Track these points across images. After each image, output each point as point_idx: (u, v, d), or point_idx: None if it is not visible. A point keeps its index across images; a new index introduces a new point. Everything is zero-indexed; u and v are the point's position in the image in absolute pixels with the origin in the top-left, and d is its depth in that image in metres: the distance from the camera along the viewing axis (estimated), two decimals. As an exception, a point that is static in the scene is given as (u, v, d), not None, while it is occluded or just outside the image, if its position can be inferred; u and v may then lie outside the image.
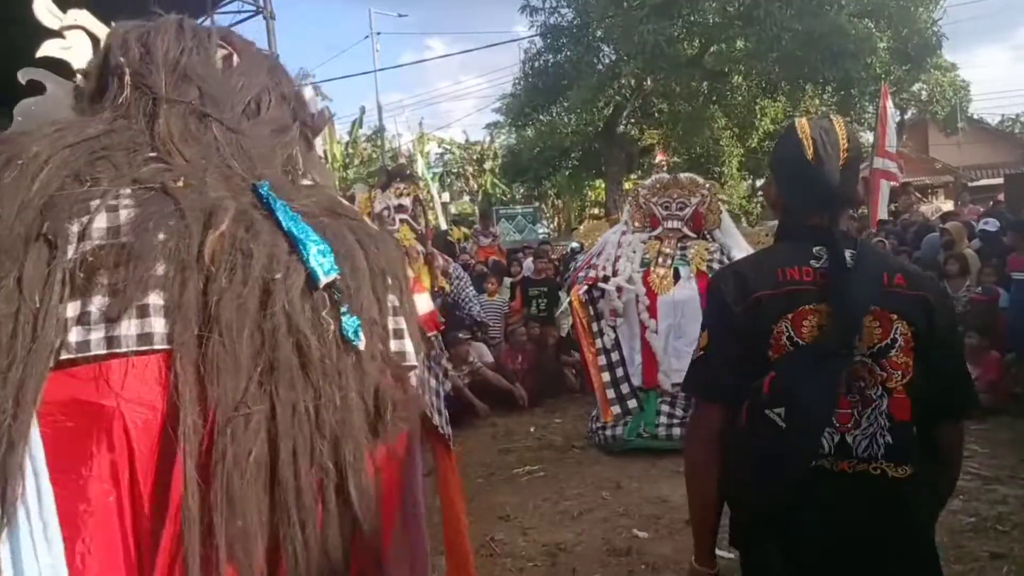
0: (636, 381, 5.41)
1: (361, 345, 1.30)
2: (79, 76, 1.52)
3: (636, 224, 5.84)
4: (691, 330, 5.27)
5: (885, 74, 15.01)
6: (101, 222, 1.18)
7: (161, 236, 1.18)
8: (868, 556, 1.49)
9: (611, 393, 5.41)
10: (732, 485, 1.57)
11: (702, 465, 1.60)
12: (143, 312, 1.16)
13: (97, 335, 1.15)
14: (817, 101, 17.94)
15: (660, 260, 5.53)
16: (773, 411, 1.44)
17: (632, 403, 5.38)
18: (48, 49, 1.54)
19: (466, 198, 28.01)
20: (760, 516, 1.54)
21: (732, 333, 1.55)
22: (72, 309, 1.14)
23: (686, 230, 5.69)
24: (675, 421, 5.28)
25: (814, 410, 1.46)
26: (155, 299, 1.16)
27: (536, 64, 17.56)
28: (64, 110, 1.49)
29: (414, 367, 1.48)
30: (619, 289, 5.44)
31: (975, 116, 23.67)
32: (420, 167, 18.95)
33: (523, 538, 4.01)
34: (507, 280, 9.13)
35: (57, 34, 1.57)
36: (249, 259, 1.21)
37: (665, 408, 5.31)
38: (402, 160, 20.42)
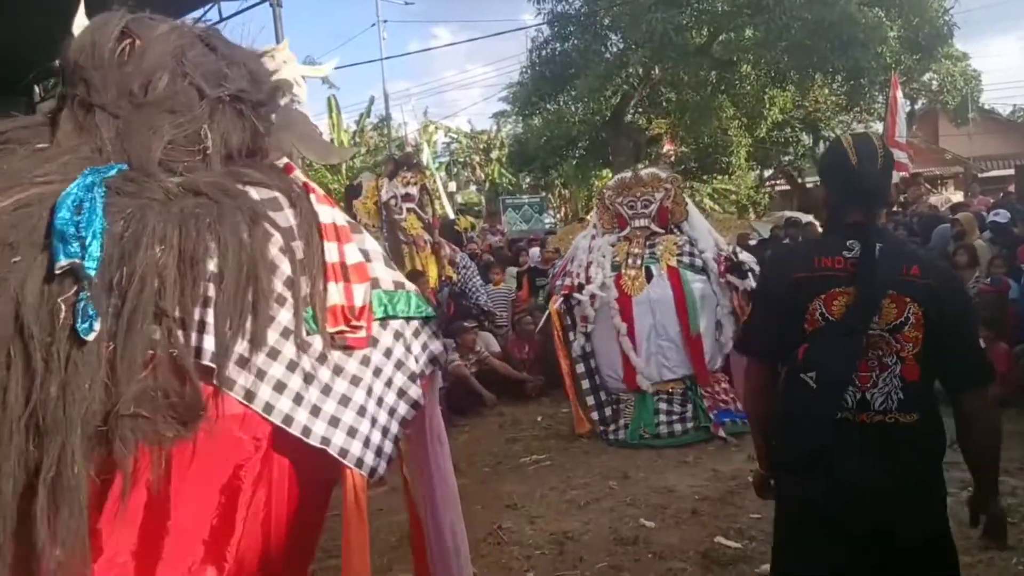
0: (621, 385, 5.47)
1: (91, 336, 1.25)
2: None
3: (604, 227, 5.87)
4: (672, 328, 5.34)
5: (895, 64, 14.86)
6: None
7: None
8: (881, 487, 1.82)
9: (591, 400, 5.52)
10: (774, 433, 1.99)
11: (753, 404, 2.12)
12: None
13: None
14: (827, 91, 17.80)
15: (630, 261, 5.56)
16: (806, 374, 1.84)
17: (608, 411, 5.48)
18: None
19: (473, 187, 27.98)
20: (795, 458, 1.91)
21: (771, 306, 1.98)
22: None
23: (653, 227, 5.72)
24: (674, 418, 5.31)
25: (836, 374, 1.83)
26: None
27: (543, 53, 17.43)
28: None
29: (211, 367, 1.40)
30: (592, 297, 5.47)
31: (986, 106, 23.39)
32: (426, 156, 18.93)
33: (530, 527, 4.02)
34: (512, 269, 9.13)
35: None
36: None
37: (663, 407, 5.34)
38: (408, 149, 20.40)
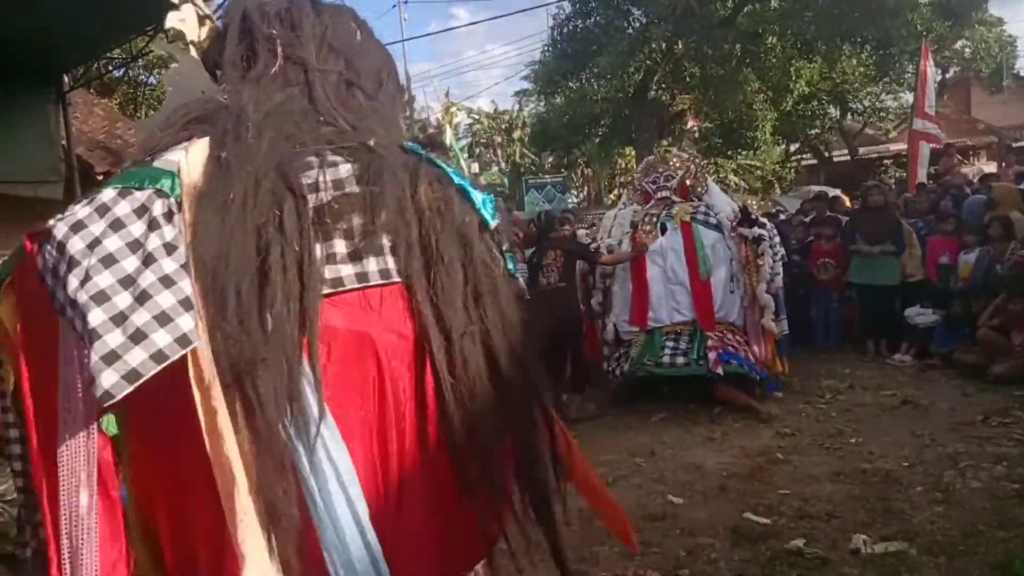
0: (633, 328, 5.97)
1: (521, 281, 1.49)
2: (192, 47, 1.65)
3: (633, 204, 6.52)
4: (682, 272, 5.88)
5: (926, 31, 14.48)
6: (326, 176, 1.35)
7: (388, 187, 1.37)
8: None
9: (606, 351, 6.22)
10: None
11: None
12: (380, 251, 1.37)
13: (347, 271, 1.34)
14: (855, 61, 17.38)
15: (646, 219, 6.18)
16: None
17: (619, 351, 6.05)
18: (169, 21, 1.64)
19: (495, 168, 27.90)
20: None
21: None
22: (319, 250, 1.31)
23: (674, 197, 6.24)
24: (679, 352, 5.73)
25: None
26: (385, 240, 1.38)
27: (565, 30, 17.23)
28: (196, 79, 1.62)
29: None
30: (610, 249, 6.17)
31: (1021, 73, 22.76)
32: (449, 138, 18.89)
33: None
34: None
35: (174, 7, 1.64)
36: (450, 205, 1.43)
37: (669, 344, 5.77)
38: (431, 131, 20.37)
